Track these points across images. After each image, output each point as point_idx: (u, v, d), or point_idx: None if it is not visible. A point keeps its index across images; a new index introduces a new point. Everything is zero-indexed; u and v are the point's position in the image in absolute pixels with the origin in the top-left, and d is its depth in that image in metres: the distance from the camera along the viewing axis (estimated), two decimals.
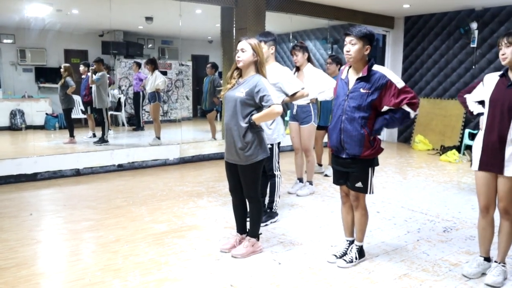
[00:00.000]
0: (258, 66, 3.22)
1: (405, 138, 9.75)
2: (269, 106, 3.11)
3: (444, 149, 8.30)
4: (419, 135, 9.10)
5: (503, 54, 2.80)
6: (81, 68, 8.03)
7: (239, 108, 3.18)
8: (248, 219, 3.51)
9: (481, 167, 2.95)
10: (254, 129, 3.22)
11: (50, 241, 3.75)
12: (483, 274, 3.11)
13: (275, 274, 3.13)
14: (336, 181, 3.30)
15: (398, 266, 3.32)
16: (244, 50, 3.17)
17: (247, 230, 3.52)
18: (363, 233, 3.31)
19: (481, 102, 3.05)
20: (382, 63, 10.11)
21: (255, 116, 3.16)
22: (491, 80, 2.95)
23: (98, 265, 3.22)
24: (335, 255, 3.35)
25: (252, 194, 3.35)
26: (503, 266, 3.04)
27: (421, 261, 3.44)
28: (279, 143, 4.21)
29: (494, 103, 2.87)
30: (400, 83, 2.91)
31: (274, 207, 4.26)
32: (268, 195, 4.25)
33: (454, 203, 5.01)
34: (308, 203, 4.95)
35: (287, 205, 4.85)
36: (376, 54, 10.43)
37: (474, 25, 8.20)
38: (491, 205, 2.99)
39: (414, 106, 2.90)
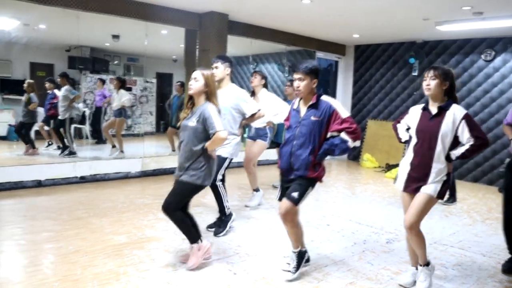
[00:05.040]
0: (209, 96, 3.26)
1: (354, 156, 10.00)
2: (214, 134, 3.13)
3: (389, 167, 8.56)
4: (367, 154, 9.37)
5: (427, 85, 2.97)
6: (47, 84, 7.79)
7: (193, 136, 3.19)
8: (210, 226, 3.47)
9: (406, 189, 3.08)
10: (207, 155, 3.23)
11: (9, 251, 3.57)
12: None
13: (230, 284, 3.11)
14: (280, 198, 3.29)
15: (345, 275, 3.39)
16: (197, 80, 3.22)
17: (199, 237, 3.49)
18: (299, 240, 3.28)
19: (408, 129, 3.19)
20: (334, 87, 10.40)
21: (207, 145, 3.19)
22: (415, 112, 3.13)
23: (56, 275, 3.09)
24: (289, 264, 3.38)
25: (167, 207, 3.23)
26: (426, 267, 3.11)
27: (366, 270, 3.52)
28: (231, 160, 4.20)
29: (419, 134, 3.03)
30: (344, 114, 3.01)
31: (227, 211, 4.20)
32: (217, 205, 4.21)
33: (396, 217, 5.15)
34: (263, 216, 4.97)
35: (244, 217, 4.85)
36: (329, 78, 10.71)
37: (421, 56, 8.60)
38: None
39: (353, 135, 2.98)
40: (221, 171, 4.12)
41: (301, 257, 3.30)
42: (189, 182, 3.20)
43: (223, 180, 4.18)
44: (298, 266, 3.27)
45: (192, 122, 3.20)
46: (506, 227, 3.66)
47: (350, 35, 8.70)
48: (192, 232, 3.34)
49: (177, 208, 3.26)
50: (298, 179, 3.10)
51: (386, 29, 7.75)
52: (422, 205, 2.95)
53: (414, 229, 2.99)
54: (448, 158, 2.95)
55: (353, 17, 6.85)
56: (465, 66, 8.01)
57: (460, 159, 2.96)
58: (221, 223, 4.18)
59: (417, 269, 3.21)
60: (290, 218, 3.15)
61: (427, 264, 3.12)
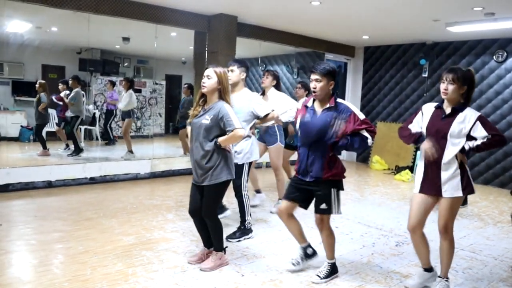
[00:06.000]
0: (222, 93, 3.23)
1: (363, 158, 9.95)
2: (232, 131, 3.12)
3: (398, 169, 8.50)
4: (376, 156, 9.31)
5: (445, 89, 2.92)
6: (60, 86, 7.88)
7: (204, 134, 3.17)
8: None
9: (422, 190, 3.05)
10: (221, 151, 3.21)
11: (19, 251, 3.61)
12: (426, 286, 3.20)
13: (238, 286, 3.10)
14: (286, 196, 3.29)
15: (353, 278, 3.36)
16: (210, 77, 3.18)
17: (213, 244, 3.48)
18: (332, 251, 3.29)
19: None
20: (343, 89, 10.35)
21: (221, 139, 3.16)
22: (428, 110, 3.08)
23: (66, 276, 3.11)
24: (293, 263, 3.39)
25: (209, 213, 3.28)
26: (446, 281, 3.08)
27: (375, 273, 3.49)
28: (250, 163, 4.17)
29: (430, 132, 3.00)
30: (361, 115, 3.04)
31: (247, 225, 4.17)
32: (239, 215, 4.20)
33: (406, 219, 5.07)
34: (272, 218, 4.95)
35: (252, 219, 4.83)
36: (338, 80, 10.67)
37: (431, 57, 8.52)
38: (417, 226, 3.08)
39: (372, 133, 3.03)
40: (245, 178, 4.09)
41: (334, 269, 3.31)
42: (214, 184, 3.21)
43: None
44: (328, 275, 3.25)
45: (205, 120, 3.16)
46: None
47: (360, 37, 8.66)
48: (222, 240, 3.41)
49: (216, 212, 3.36)
50: (314, 186, 3.11)
51: (395, 30, 7.71)
52: (450, 206, 2.94)
53: (449, 233, 2.98)
54: (461, 149, 2.90)
55: (362, 19, 6.81)
56: (476, 67, 7.92)
57: (474, 151, 2.91)
58: (238, 230, 4.13)
59: (425, 270, 3.19)
60: (326, 226, 3.19)
61: (447, 278, 3.10)
